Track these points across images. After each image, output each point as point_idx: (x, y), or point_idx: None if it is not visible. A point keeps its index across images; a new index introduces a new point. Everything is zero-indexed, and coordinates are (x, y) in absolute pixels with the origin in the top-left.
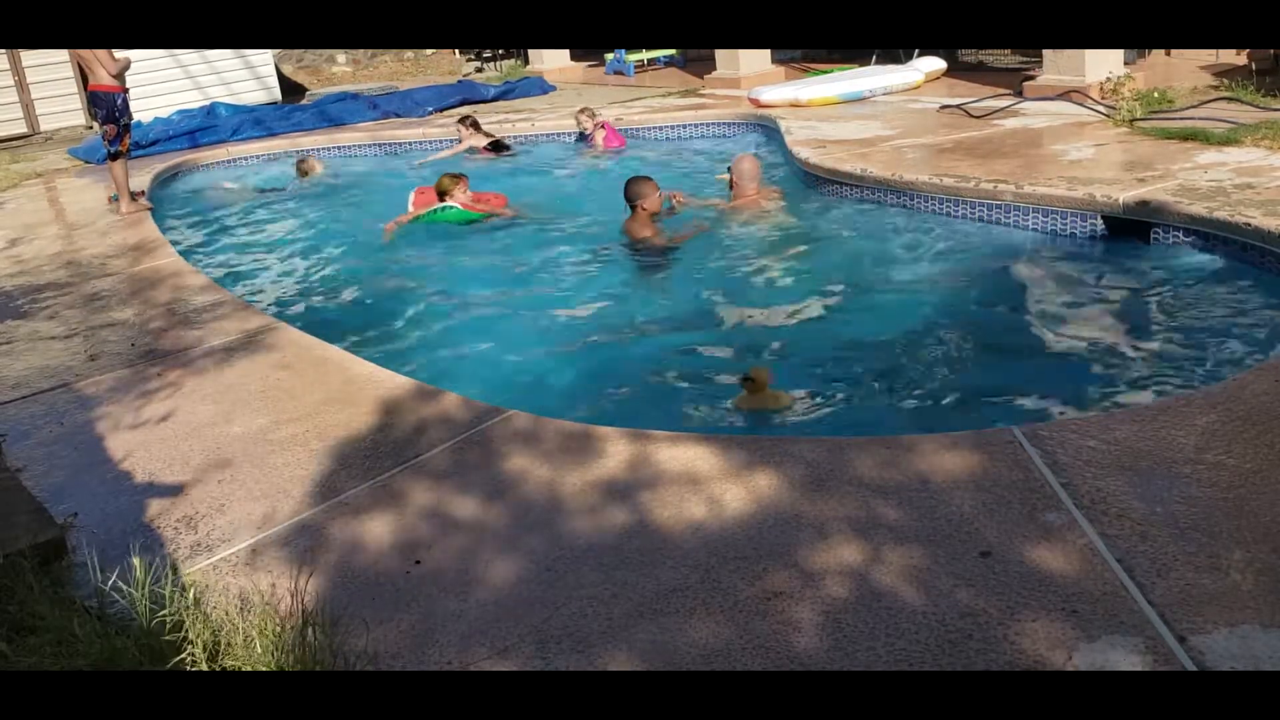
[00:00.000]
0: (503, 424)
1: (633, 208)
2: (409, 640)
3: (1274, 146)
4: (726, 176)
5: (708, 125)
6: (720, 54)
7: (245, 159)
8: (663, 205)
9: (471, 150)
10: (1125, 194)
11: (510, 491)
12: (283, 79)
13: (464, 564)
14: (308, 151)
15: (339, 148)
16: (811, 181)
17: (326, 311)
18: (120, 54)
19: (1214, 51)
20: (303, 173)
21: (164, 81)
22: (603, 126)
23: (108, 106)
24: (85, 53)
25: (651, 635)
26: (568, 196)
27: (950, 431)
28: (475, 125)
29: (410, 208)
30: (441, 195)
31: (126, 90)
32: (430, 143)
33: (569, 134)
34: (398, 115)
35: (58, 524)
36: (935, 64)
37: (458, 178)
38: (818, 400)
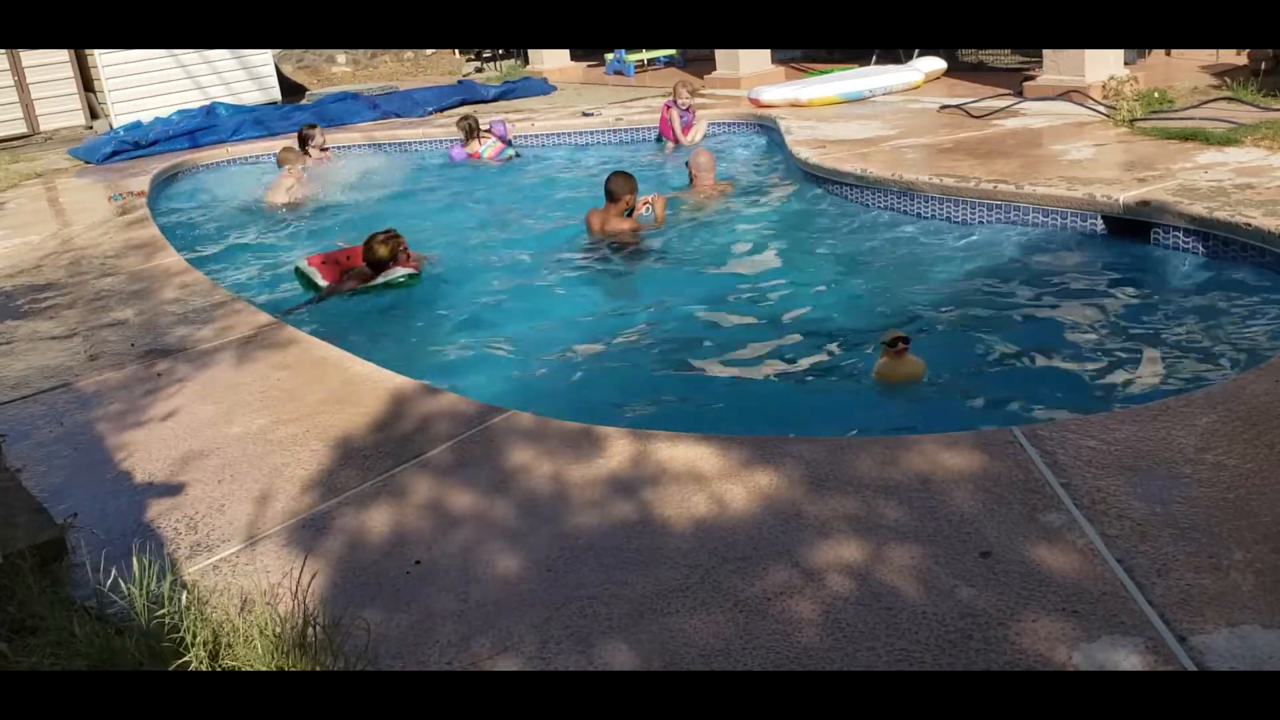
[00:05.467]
0: (502, 424)
1: (613, 201)
2: (409, 640)
3: (1274, 146)
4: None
5: (708, 125)
6: (720, 54)
7: (245, 159)
8: (643, 211)
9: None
10: (1125, 194)
11: (510, 491)
12: (283, 79)
13: (464, 563)
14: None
15: (339, 148)
16: (811, 181)
17: (326, 311)
18: None
19: (1214, 51)
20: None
21: (164, 81)
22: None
23: None
24: None
25: (652, 635)
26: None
27: (950, 431)
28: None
29: (322, 280)
30: (380, 264)
31: None
32: (430, 143)
33: (648, 129)
34: (398, 115)
35: (57, 524)
36: (935, 64)
37: (392, 236)
38: (817, 399)
